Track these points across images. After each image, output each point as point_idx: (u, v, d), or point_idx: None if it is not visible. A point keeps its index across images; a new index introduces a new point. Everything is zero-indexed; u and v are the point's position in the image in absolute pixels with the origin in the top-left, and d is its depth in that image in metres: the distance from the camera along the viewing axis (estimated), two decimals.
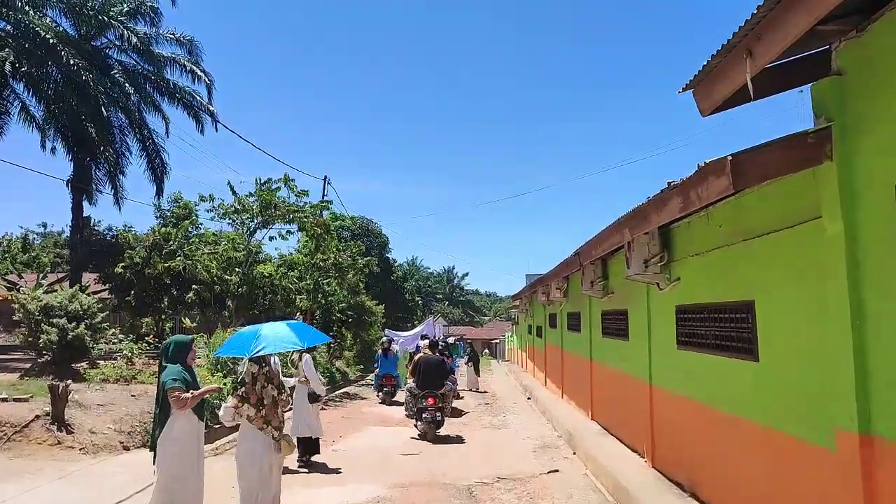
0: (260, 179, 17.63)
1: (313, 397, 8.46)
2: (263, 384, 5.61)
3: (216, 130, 30.79)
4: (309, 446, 8.43)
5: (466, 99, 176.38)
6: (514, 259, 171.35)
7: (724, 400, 5.53)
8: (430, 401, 10.45)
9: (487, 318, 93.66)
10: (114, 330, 12.98)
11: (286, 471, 7.81)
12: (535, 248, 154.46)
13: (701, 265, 6.09)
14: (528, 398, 17.90)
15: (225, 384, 12.37)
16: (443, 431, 10.69)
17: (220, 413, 5.65)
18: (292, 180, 17.94)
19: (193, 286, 16.04)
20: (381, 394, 16.42)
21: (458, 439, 10.59)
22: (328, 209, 19.60)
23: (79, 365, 12.34)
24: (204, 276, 14.76)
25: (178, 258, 14.93)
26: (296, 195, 17.65)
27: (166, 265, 14.71)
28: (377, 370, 17.16)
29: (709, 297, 5.85)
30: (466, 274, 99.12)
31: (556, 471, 7.98)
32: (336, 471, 8.08)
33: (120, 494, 6.35)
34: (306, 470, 8.07)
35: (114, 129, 26.75)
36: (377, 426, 11.98)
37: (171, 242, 15.58)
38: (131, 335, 18.33)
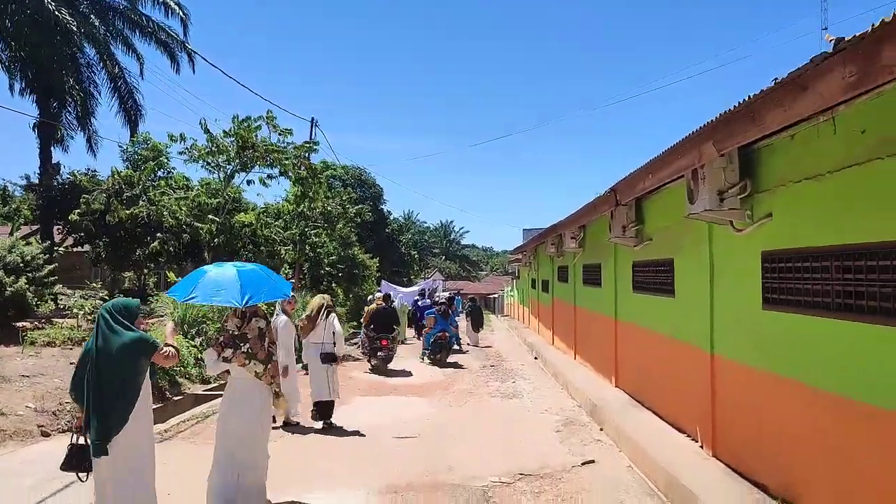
0: (238, 117, 15.62)
1: (329, 358, 8.07)
2: (271, 341, 5.26)
3: (193, 72, 28.48)
4: (326, 409, 8.08)
5: (462, 44, 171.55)
6: (511, 214, 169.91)
7: (860, 384, 3.83)
8: (384, 342, 13.02)
9: (484, 273, 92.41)
10: (60, 285, 11.23)
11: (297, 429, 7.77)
12: (532, 203, 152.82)
13: (815, 194, 4.30)
14: (535, 358, 16.41)
15: (194, 346, 10.80)
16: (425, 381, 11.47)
17: (209, 361, 5.17)
18: (275, 118, 15.92)
19: (158, 234, 14.15)
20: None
21: (464, 412, 9.02)
22: (314, 151, 17.61)
23: (22, 324, 10.64)
24: (170, 222, 12.94)
25: (141, 204, 13.09)
26: (278, 134, 15.64)
27: (128, 212, 12.89)
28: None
29: (831, 238, 4.08)
30: (465, 231, 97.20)
31: (592, 461, 6.35)
32: (312, 463, 6.47)
33: None
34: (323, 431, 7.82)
35: (80, 66, 24.50)
36: (367, 396, 10.35)
37: (134, 187, 13.70)
38: (115, 291, 16.68)
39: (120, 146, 20.40)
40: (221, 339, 5.16)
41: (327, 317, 8.24)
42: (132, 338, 4.20)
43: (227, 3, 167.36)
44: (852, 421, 3.87)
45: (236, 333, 5.11)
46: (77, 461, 4.07)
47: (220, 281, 4.90)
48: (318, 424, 7.99)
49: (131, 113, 25.60)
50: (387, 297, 14.56)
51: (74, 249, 27.09)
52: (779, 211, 4.82)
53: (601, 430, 8.18)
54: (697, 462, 5.92)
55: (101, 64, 24.65)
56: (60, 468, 4.09)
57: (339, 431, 7.78)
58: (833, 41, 2.77)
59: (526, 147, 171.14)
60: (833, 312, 4.06)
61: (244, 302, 4.82)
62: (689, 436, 6.84)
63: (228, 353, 5.03)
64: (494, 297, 59.96)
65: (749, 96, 3.63)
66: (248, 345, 5.04)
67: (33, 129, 24.34)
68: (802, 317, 4.44)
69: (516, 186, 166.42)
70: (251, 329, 5.10)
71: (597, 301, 11.86)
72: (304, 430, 7.86)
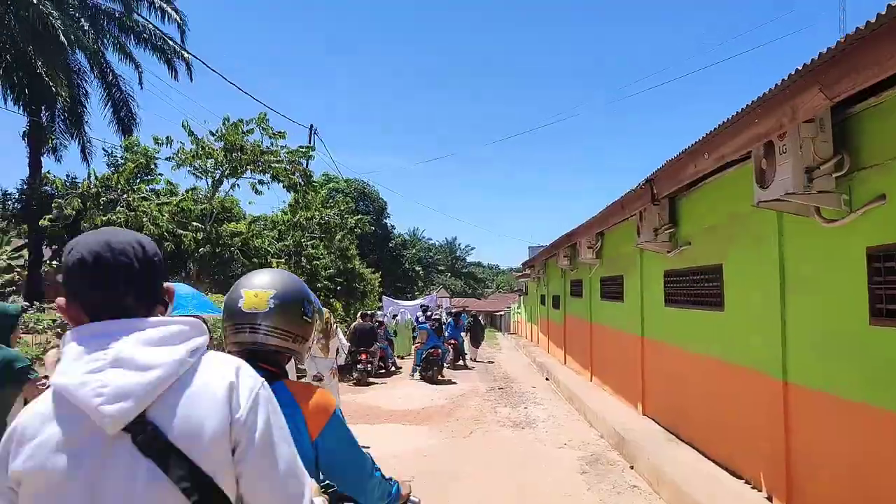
0: (229, 119, 14.50)
1: (344, 370, 8.67)
2: None
3: (191, 80, 27.57)
4: None
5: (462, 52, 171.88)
6: (516, 232, 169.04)
7: None
8: (363, 356, 13.69)
9: (490, 291, 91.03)
10: (14, 297, 10.01)
11: None
12: (537, 223, 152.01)
13: None
14: (547, 379, 15.08)
15: None
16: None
17: None
18: (268, 120, 14.79)
19: None
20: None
21: (469, 446, 7.69)
22: (311, 157, 16.47)
23: None
24: (151, 230, 11.79)
25: (119, 209, 11.94)
26: (269, 137, 14.48)
27: (104, 217, 11.75)
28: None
29: None
30: (471, 248, 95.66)
31: None
32: None
33: None
34: None
35: (72, 73, 23.60)
36: (358, 424, 9.02)
37: (112, 191, 12.58)
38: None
39: (105, 150, 19.25)
40: None
41: (336, 330, 8.37)
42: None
43: (226, 15, 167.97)
44: None
45: None
46: None
47: None
48: None
49: (125, 122, 24.69)
50: (364, 315, 15.73)
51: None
52: None
53: (631, 467, 6.87)
54: None
55: (93, 71, 23.81)
56: None
57: None
58: None
59: (532, 154, 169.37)
60: None
61: (167, 314, 3.70)
62: (747, 482, 5.53)
63: None
64: (501, 315, 58.57)
65: None
66: None
67: (23, 138, 23.47)
68: None
69: (522, 207, 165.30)
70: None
71: (618, 317, 10.57)
72: None
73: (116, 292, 1.20)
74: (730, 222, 5.85)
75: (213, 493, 1.11)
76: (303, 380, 7.85)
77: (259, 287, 1.73)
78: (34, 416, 1.13)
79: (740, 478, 5.67)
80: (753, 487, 5.42)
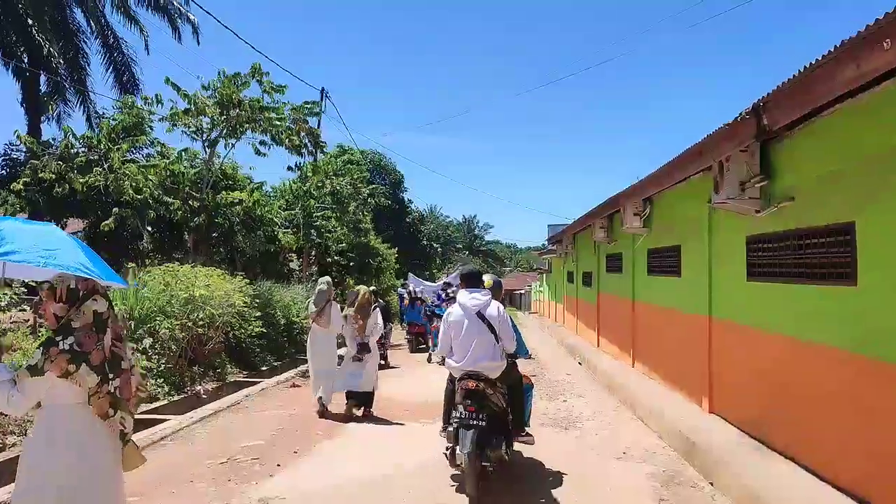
0: (225, 71, 12.96)
1: (364, 348, 8.06)
2: (117, 336, 2.98)
3: (198, 43, 26.13)
4: (369, 398, 8.10)
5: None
6: (535, 210, 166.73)
7: None
8: None
9: (509, 269, 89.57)
10: None
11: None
12: (557, 201, 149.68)
13: None
14: (580, 363, 13.59)
15: (141, 352, 8.20)
16: None
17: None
18: (267, 73, 13.20)
19: (114, 210, 11.50)
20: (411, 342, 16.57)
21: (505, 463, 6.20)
22: (316, 115, 14.90)
23: None
24: (131, 195, 10.38)
25: (97, 170, 10.51)
26: (266, 91, 12.91)
27: (83, 180, 10.38)
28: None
29: None
30: (490, 227, 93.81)
31: None
32: None
33: None
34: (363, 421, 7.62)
35: (71, 34, 22.31)
36: (365, 423, 7.55)
37: (94, 151, 11.16)
38: None
39: (96, 112, 17.93)
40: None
41: (374, 310, 8.43)
42: None
43: None
44: None
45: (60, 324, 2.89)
46: None
47: (46, 239, 2.78)
48: (359, 412, 7.92)
49: (128, 87, 23.43)
50: (374, 294, 15.50)
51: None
52: None
53: (711, 484, 5.36)
54: None
55: (93, 29, 22.48)
56: None
57: (307, 494, 5.03)
58: None
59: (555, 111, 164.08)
60: None
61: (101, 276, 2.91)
62: None
63: (37, 356, 2.78)
64: (520, 294, 57.07)
65: None
66: (71, 339, 2.80)
67: (21, 105, 22.26)
68: None
69: (541, 184, 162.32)
70: (83, 314, 2.87)
71: (673, 294, 8.98)
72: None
73: (473, 281, 5.65)
74: (874, 162, 4.20)
75: (495, 332, 5.31)
76: (342, 354, 8.47)
77: (488, 278, 6.00)
78: (456, 308, 5.45)
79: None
80: None
